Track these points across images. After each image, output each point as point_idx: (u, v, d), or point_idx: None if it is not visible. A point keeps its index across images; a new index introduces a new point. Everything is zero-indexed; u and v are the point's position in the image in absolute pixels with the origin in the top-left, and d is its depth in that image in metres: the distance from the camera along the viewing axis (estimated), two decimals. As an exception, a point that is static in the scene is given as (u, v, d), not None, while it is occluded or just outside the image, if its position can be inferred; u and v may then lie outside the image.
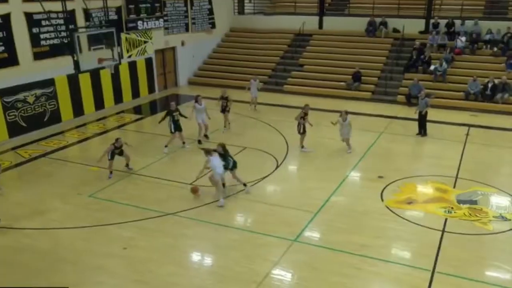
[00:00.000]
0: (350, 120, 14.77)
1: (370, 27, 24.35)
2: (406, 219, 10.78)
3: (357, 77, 21.78)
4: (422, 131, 16.40)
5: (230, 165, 12.00)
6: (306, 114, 14.86)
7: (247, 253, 9.46)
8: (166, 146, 14.75)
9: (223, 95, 16.97)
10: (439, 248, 9.65)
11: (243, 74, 24.02)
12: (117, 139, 13.13)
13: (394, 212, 11.08)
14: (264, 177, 12.96)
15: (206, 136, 15.90)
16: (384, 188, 12.30)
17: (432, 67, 21.26)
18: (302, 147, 15.01)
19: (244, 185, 12.14)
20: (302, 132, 14.91)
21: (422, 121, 16.35)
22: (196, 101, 15.57)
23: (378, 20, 24.39)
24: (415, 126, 16.65)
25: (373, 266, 9.10)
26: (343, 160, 14.24)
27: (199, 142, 15.55)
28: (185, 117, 15.06)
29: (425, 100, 16.25)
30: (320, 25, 25.78)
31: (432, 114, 16.70)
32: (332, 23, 25.41)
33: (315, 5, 26.64)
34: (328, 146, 15.48)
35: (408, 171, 13.39)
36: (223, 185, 11.87)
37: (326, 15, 25.95)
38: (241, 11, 28.77)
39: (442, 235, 10.14)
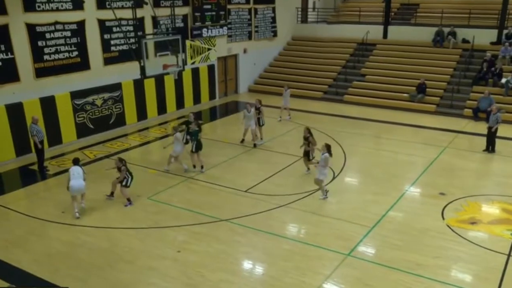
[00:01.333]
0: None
1: (438, 37, 23.52)
2: (468, 240, 10.23)
3: (421, 88, 21.08)
4: (490, 147, 15.56)
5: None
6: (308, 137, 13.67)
7: (298, 264, 9.34)
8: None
9: (256, 105, 16.22)
10: (503, 273, 9.08)
11: (303, 83, 24.00)
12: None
13: (455, 232, 10.55)
14: (320, 188, 12.74)
15: (254, 145, 16.01)
16: (446, 205, 11.76)
17: (503, 80, 20.18)
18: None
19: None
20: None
21: (491, 137, 15.52)
22: (247, 108, 15.97)
23: (446, 30, 23.52)
24: (482, 141, 15.86)
25: (429, 287, 8.70)
26: (403, 174, 13.78)
27: (255, 146, 15.97)
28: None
29: (497, 115, 15.40)
30: (385, 35, 25.23)
31: (501, 129, 15.84)
32: (398, 32, 24.80)
33: (380, 14, 26.15)
34: (388, 159, 15.08)
35: (473, 189, 12.75)
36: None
37: (391, 24, 25.39)
38: (304, 20, 28.73)
39: (507, 259, 9.53)
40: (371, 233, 10.50)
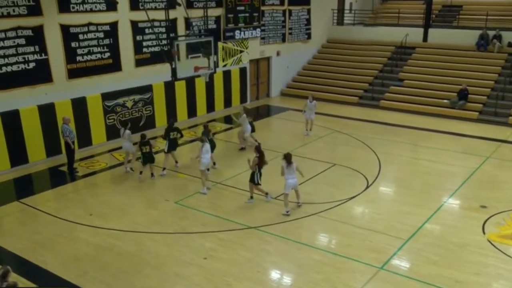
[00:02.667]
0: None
1: (482, 40, 22.93)
2: (511, 257, 9.88)
3: (463, 95, 20.57)
4: (536, 158, 15.04)
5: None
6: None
7: (328, 276, 9.22)
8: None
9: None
10: (547, 293, 8.75)
11: (338, 87, 23.81)
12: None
13: (497, 248, 10.20)
14: (352, 197, 12.62)
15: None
16: (487, 219, 11.39)
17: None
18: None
19: None
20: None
21: (538, 147, 15.00)
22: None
23: (491, 33, 22.90)
24: (527, 152, 15.34)
25: (468, 305, 8.46)
26: (442, 185, 13.47)
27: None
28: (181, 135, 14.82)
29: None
30: (425, 38, 24.75)
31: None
32: (439, 35, 24.31)
33: (420, 16, 25.71)
34: (425, 168, 14.77)
35: (517, 202, 12.33)
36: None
37: (432, 27, 24.91)
38: (340, 22, 28.54)
39: (552, 278, 9.18)
40: (406, 246, 10.28)
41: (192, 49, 15.39)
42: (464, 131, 18.34)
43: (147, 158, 13.85)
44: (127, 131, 14.49)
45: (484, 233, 10.84)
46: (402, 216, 11.61)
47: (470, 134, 18.08)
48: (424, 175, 14.22)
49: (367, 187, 13.36)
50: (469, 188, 13.25)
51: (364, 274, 9.25)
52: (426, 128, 18.83)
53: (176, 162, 14.85)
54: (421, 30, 24.81)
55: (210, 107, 20.90)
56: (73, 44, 15.72)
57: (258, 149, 12.26)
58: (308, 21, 25.83)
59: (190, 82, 19.18)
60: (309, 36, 26.14)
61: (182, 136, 14.96)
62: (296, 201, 12.02)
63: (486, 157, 15.60)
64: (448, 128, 18.83)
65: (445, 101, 20.94)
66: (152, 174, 14.03)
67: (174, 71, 14.26)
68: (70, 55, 15.70)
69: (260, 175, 12.22)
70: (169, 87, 18.66)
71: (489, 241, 10.46)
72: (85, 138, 16.36)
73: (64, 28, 15.42)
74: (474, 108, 20.35)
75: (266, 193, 12.38)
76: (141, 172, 13.88)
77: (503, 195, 12.82)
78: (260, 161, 12.11)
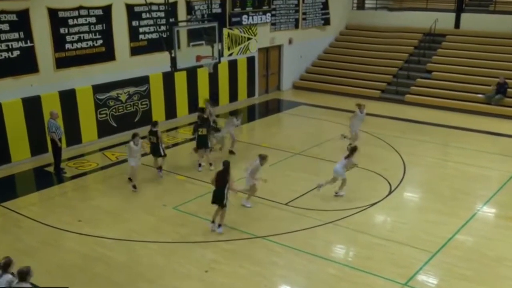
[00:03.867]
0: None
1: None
2: (553, 274, 9.80)
3: (502, 88, 20.40)
4: None
5: None
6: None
7: (344, 292, 9.20)
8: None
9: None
10: None
11: (359, 79, 23.71)
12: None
13: (537, 263, 10.14)
14: (373, 204, 12.53)
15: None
16: (526, 230, 11.33)
17: None
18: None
19: None
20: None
21: None
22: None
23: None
24: None
25: (503, 327, 8.38)
26: (475, 191, 13.35)
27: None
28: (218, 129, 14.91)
29: None
30: (457, 24, 24.62)
31: None
32: (473, 21, 24.13)
33: (451, 0, 25.51)
34: (456, 171, 14.68)
35: (559, 211, 12.19)
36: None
37: (465, 11, 24.76)
38: (360, 6, 28.39)
39: None
40: (433, 260, 10.20)
41: (195, 36, 15.31)
42: (501, 130, 18.20)
43: (154, 150, 14.06)
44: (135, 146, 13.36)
45: (523, 245, 10.75)
46: (430, 226, 11.53)
47: (508, 133, 17.93)
48: (455, 179, 14.13)
49: (390, 192, 13.29)
50: (506, 195, 13.11)
51: (383, 291, 9.20)
52: (457, 126, 18.72)
53: (210, 164, 14.65)
54: (453, 15, 24.63)
55: (214, 101, 20.81)
56: (62, 30, 15.74)
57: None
58: (325, 5, 25.74)
59: (191, 73, 19.15)
60: (326, 22, 26.03)
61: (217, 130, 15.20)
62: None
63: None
64: (483, 126, 18.68)
65: (479, 95, 20.79)
66: (160, 168, 14.20)
67: (173, 61, 14.23)
68: (59, 42, 15.73)
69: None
70: (168, 79, 18.66)
71: (528, 255, 10.37)
72: (74, 135, 16.39)
73: (52, 12, 15.45)
74: (513, 103, 20.22)
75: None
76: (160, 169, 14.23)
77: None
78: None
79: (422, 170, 14.94)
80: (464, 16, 24.49)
